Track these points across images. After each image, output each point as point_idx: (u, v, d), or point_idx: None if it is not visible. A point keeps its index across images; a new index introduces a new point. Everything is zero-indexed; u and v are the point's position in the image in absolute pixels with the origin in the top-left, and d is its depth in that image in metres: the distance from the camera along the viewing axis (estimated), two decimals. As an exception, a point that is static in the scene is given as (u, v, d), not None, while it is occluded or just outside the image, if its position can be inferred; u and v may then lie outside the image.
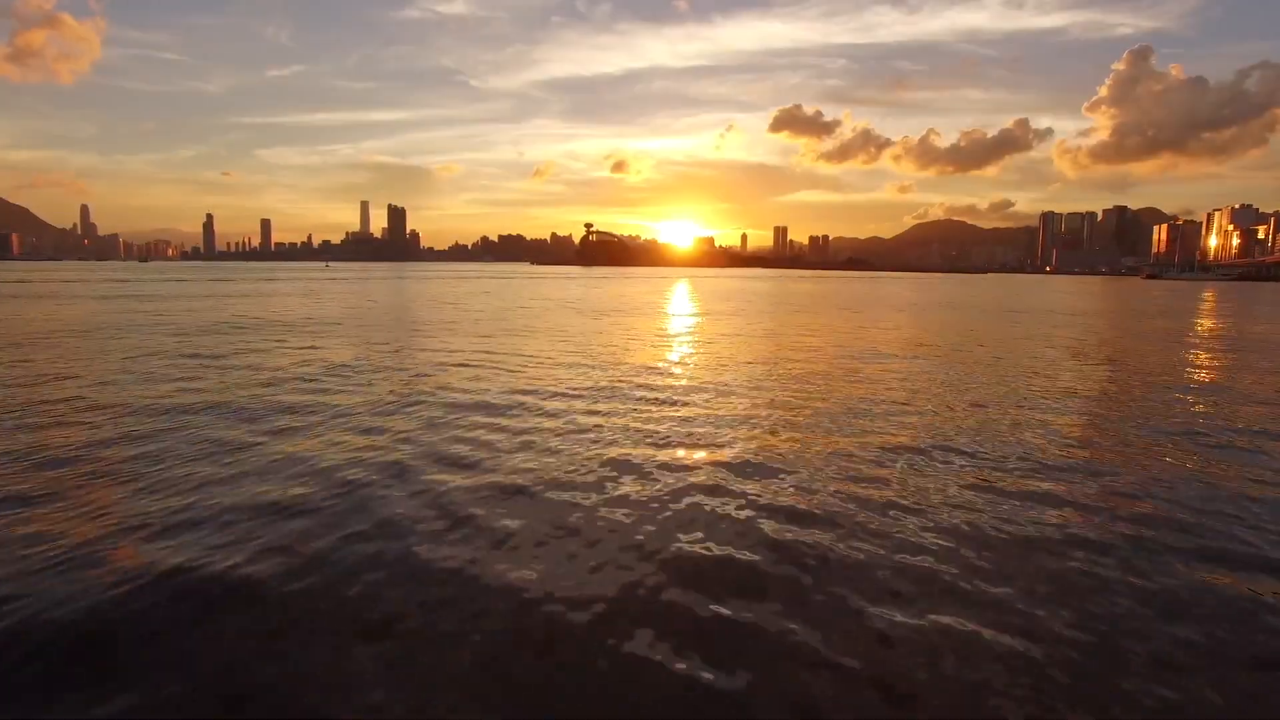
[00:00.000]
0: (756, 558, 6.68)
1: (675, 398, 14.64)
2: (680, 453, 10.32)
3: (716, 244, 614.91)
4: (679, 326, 32.30)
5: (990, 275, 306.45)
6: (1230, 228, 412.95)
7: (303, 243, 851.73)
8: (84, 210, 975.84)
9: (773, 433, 11.60)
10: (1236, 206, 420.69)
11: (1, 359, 18.79)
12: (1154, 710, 4.68)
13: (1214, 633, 5.59)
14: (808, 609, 5.72)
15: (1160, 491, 8.82)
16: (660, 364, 19.54)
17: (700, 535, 7.19)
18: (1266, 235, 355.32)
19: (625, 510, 7.89)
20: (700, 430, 11.74)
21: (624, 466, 9.57)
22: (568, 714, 4.59)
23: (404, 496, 8.22)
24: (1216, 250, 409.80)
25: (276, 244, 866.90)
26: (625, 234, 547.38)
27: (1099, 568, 6.53)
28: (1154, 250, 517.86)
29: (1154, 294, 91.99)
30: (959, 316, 41.02)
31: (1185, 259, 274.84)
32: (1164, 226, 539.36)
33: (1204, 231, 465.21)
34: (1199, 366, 21.10)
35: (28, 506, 7.75)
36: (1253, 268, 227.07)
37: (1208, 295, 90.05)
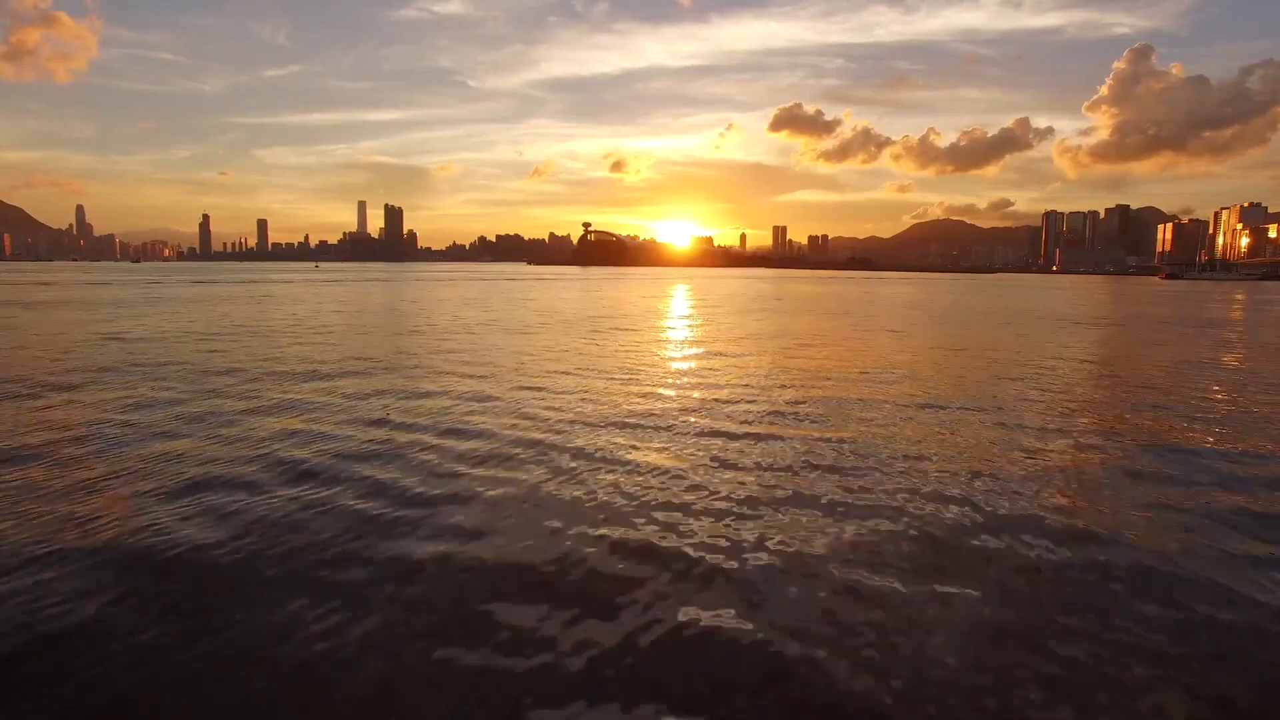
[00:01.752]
0: None
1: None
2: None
3: (715, 244, 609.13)
4: (681, 365, 25.18)
5: (998, 275, 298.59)
6: (1239, 227, 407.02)
7: (299, 243, 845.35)
8: (79, 210, 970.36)
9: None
10: (1245, 205, 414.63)
11: None
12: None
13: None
14: None
15: None
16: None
17: None
18: (1278, 235, 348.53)
19: None
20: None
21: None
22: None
23: None
24: (1224, 249, 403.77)
25: (273, 244, 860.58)
26: (624, 234, 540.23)
27: None
28: (1158, 250, 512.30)
29: (1206, 297, 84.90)
30: (1034, 334, 33.82)
31: (1208, 259, 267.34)
32: (1169, 226, 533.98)
33: (1211, 230, 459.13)
34: None
35: None
36: (1275, 267, 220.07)
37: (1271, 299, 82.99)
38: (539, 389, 16.03)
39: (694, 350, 24.36)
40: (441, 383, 16.69)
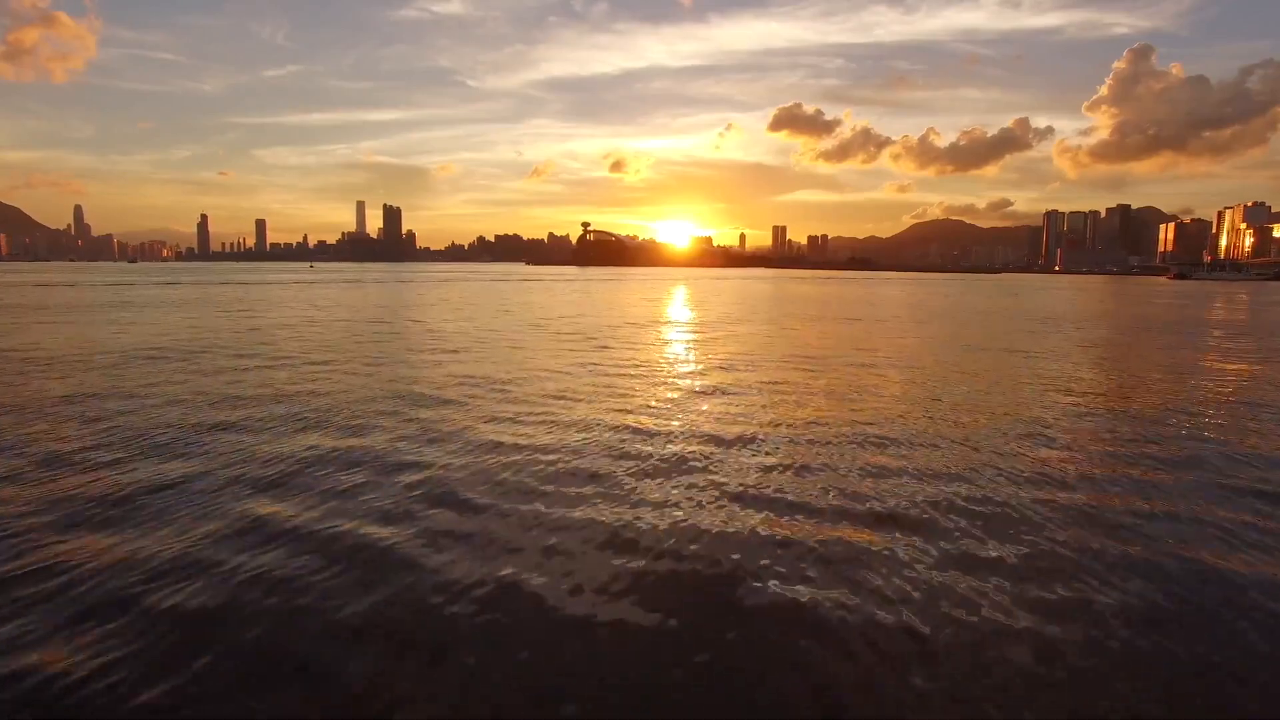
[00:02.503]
0: None
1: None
2: None
3: (714, 244, 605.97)
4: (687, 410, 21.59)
5: (1001, 276, 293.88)
6: (1243, 226, 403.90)
7: (298, 243, 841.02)
8: (77, 210, 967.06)
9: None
10: (1249, 204, 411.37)
11: None
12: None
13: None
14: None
15: None
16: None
17: None
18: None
19: None
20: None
21: None
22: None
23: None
24: (1228, 249, 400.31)
25: (272, 244, 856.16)
26: (623, 234, 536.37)
27: None
28: (1160, 249, 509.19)
29: (1230, 298, 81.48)
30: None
31: (1212, 260, 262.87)
32: (1171, 225, 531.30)
33: (1215, 230, 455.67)
34: None
35: None
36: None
37: None
38: (504, 448, 12.55)
39: (718, 382, 18.87)
40: (372, 438, 13.24)
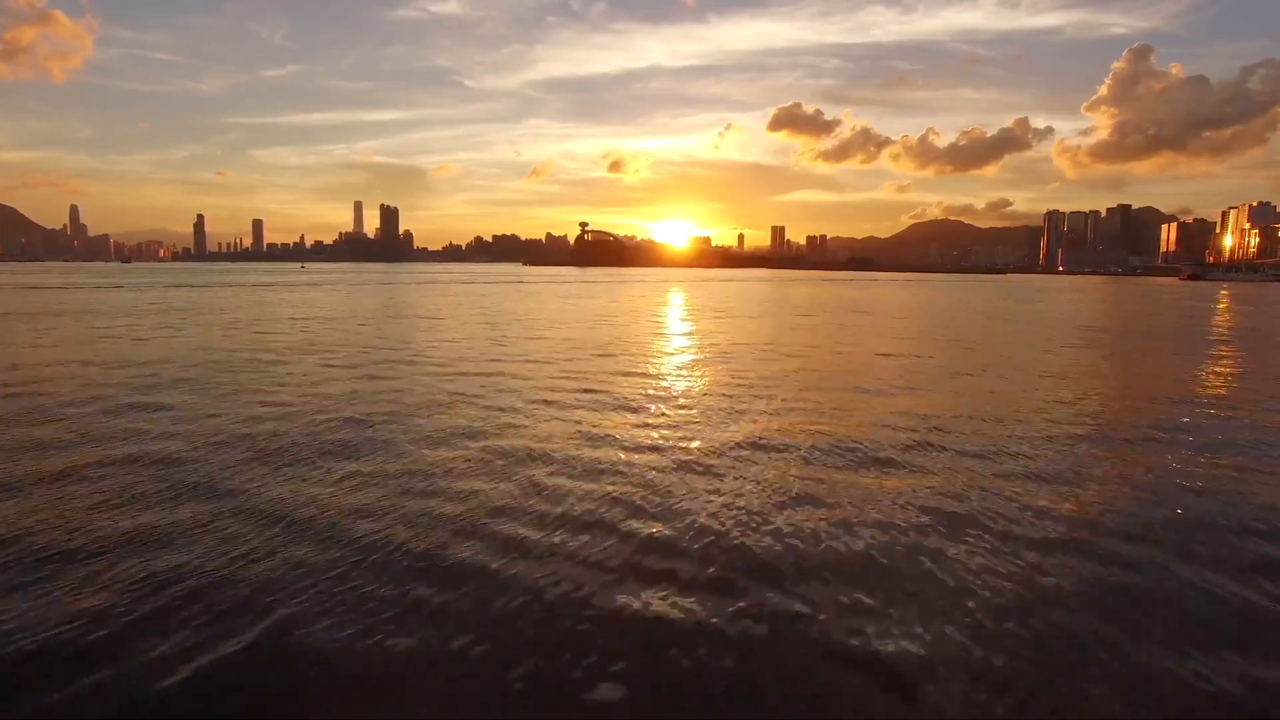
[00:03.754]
0: None
1: None
2: None
3: (713, 244, 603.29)
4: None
5: (1007, 276, 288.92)
6: (1248, 226, 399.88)
7: (295, 243, 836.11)
8: (73, 210, 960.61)
9: None
10: (1255, 204, 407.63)
11: None
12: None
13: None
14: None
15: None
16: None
17: None
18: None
19: None
20: None
21: None
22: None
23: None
24: (1232, 249, 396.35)
25: (269, 244, 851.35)
26: (622, 234, 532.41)
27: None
28: (1162, 250, 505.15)
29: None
30: None
31: (1216, 260, 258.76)
32: (1173, 225, 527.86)
33: (1219, 230, 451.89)
34: None
35: None
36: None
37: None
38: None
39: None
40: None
